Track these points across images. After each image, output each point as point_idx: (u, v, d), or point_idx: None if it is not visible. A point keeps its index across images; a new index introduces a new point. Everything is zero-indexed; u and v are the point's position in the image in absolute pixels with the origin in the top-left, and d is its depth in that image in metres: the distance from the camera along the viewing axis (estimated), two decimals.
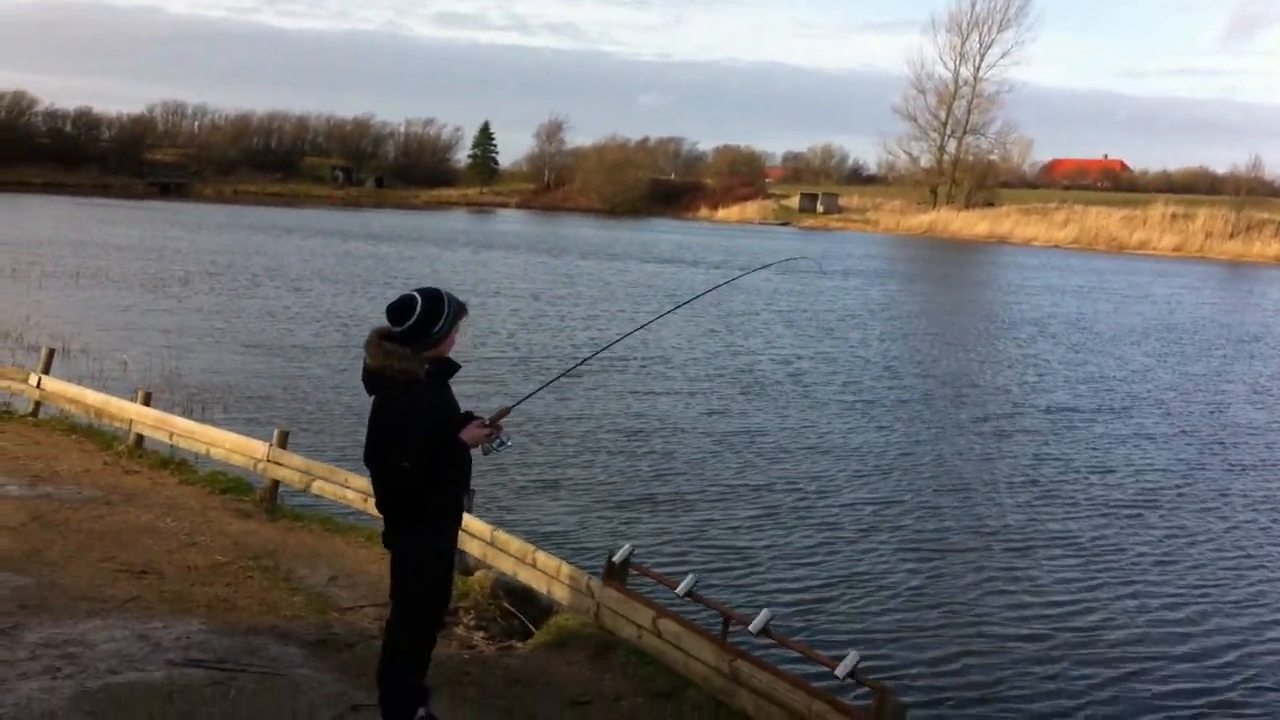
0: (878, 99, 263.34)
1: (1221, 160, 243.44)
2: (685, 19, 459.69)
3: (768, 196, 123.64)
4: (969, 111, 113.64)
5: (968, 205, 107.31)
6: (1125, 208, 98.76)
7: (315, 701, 6.19)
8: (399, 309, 5.39)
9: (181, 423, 12.21)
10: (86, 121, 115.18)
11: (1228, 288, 60.32)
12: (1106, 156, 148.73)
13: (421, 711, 5.73)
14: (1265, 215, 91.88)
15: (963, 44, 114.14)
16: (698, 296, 8.87)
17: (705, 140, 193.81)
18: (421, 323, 5.35)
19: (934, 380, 24.14)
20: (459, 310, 5.48)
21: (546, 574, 8.01)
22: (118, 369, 19.36)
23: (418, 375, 5.32)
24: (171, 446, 12.30)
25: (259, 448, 11.08)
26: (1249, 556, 12.95)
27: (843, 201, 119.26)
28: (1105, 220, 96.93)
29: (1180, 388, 24.97)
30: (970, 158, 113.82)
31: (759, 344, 28.00)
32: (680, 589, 6.93)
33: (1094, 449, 18.06)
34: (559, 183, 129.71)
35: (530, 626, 8.19)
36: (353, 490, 9.88)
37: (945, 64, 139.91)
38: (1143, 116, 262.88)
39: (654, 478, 14.73)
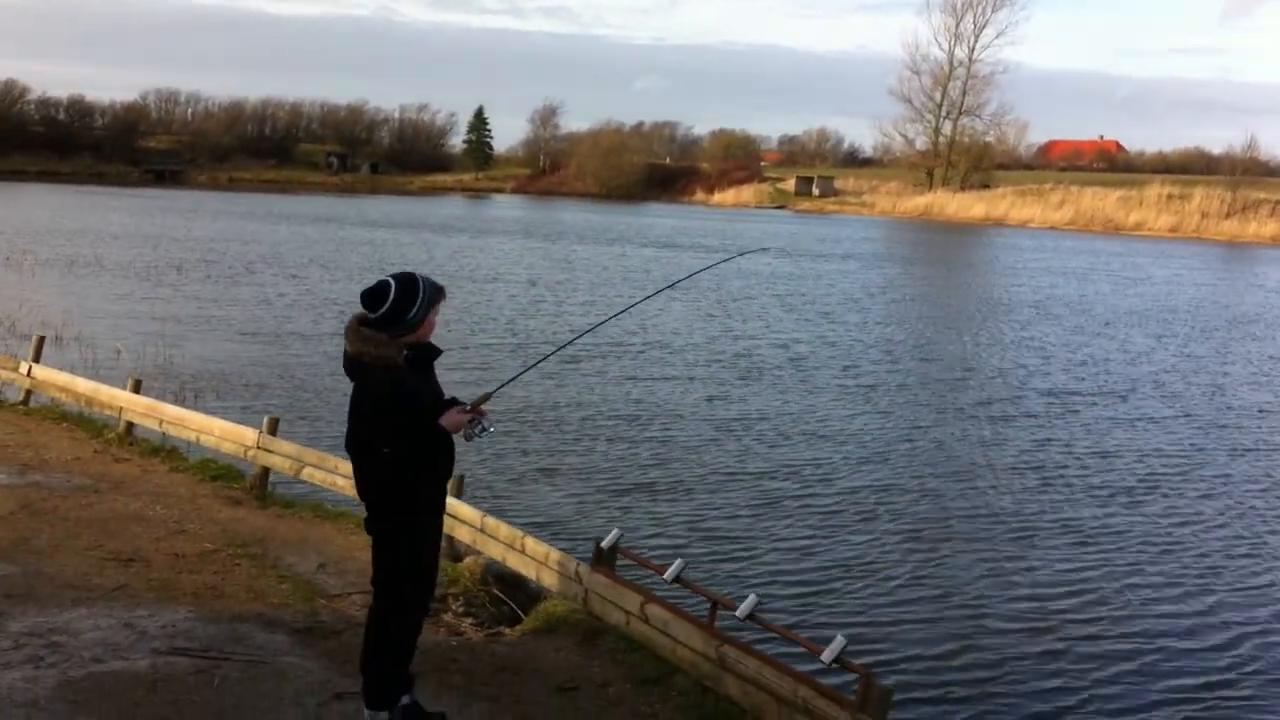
0: (873, 81, 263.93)
1: (1217, 140, 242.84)
2: (680, 1, 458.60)
3: (763, 180, 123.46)
4: (964, 93, 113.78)
5: (963, 187, 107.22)
6: (1121, 189, 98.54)
7: (300, 689, 6.17)
8: (373, 295, 5.34)
9: (171, 410, 12.17)
10: (80, 109, 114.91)
11: (1225, 268, 60.27)
12: (1102, 137, 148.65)
13: (405, 699, 5.70)
14: (1261, 195, 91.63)
15: (957, 24, 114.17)
16: (659, 291, 8.81)
17: (701, 124, 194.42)
18: (396, 308, 5.30)
19: (933, 364, 24.10)
20: (435, 294, 5.43)
21: (535, 560, 7.98)
22: (111, 357, 19.29)
23: (396, 361, 5.28)
24: (162, 434, 12.26)
25: (249, 435, 11.04)
26: (1254, 542, 12.81)
27: (838, 184, 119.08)
28: (1101, 201, 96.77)
29: (1181, 369, 24.93)
30: (966, 139, 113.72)
31: (757, 328, 27.97)
32: (668, 574, 6.90)
33: (1095, 432, 18.00)
34: (554, 168, 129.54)
35: (520, 613, 8.16)
36: (343, 477, 9.83)
37: (940, 45, 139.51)
38: (1138, 97, 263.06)
39: (650, 464, 14.69)
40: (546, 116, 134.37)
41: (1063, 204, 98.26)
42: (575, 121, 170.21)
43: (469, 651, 7.16)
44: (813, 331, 27.79)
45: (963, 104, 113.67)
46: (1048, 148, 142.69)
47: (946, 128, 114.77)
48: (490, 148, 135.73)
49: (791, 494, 13.66)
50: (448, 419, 5.40)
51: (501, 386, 5.92)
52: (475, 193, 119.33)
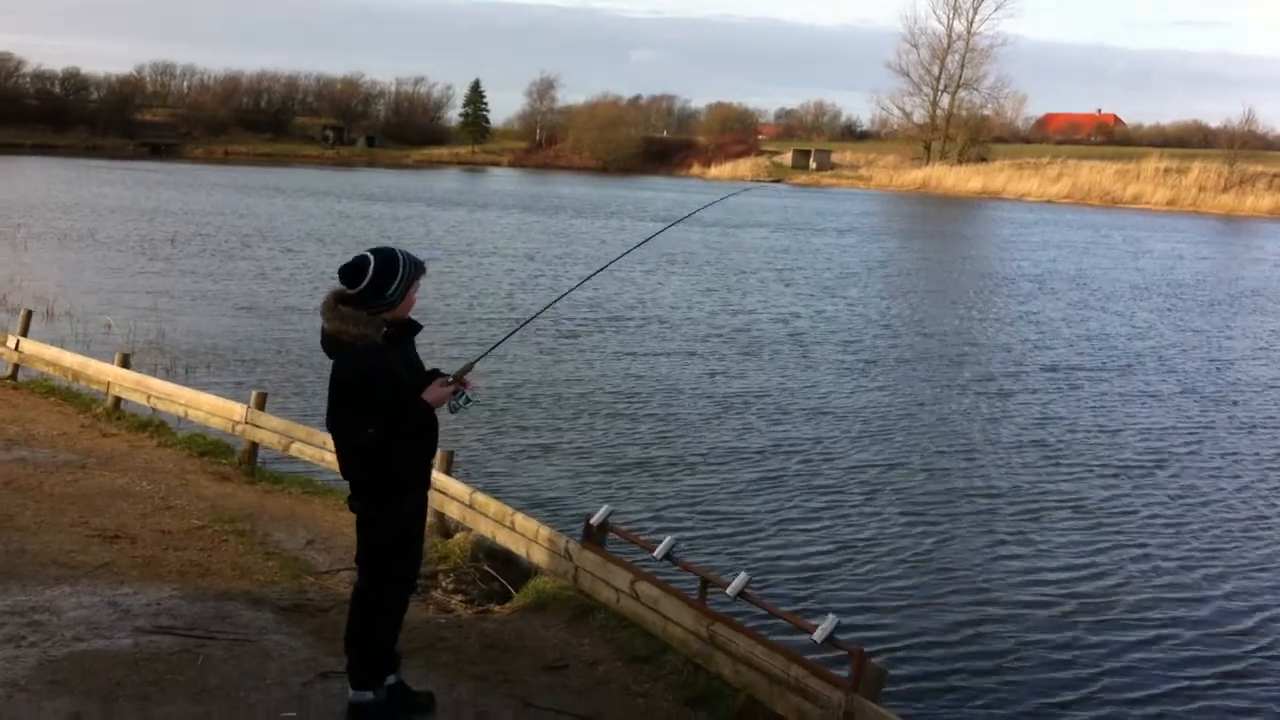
0: (872, 55, 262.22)
1: (1215, 114, 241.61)
2: None
3: (761, 154, 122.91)
4: (962, 66, 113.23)
5: (961, 161, 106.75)
6: (1118, 162, 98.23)
7: (285, 669, 6.08)
8: (352, 271, 5.17)
9: (159, 384, 12.06)
10: (75, 83, 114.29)
11: (1224, 241, 60.08)
12: (1100, 111, 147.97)
13: (391, 679, 5.60)
14: (1259, 168, 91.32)
15: None
16: (620, 257, 8.66)
17: (698, 98, 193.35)
18: (375, 284, 5.13)
19: (934, 339, 23.96)
20: (416, 269, 5.27)
21: (525, 536, 7.88)
22: (103, 331, 19.16)
23: (375, 339, 5.11)
24: (152, 409, 12.16)
25: (237, 409, 10.93)
26: (1266, 520, 12.62)
27: (835, 158, 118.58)
28: (1098, 175, 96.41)
29: (1184, 344, 24.81)
30: (963, 113, 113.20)
31: (756, 303, 27.84)
32: (658, 551, 6.81)
33: (1099, 408, 17.83)
34: (550, 141, 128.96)
35: (510, 590, 8.08)
36: (331, 452, 9.63)
37: (938, 17, 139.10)
38: (1137, 70, 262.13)
39: (650, 440, 14.55)
40: (543, 90, 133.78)
41: (1060, 177, 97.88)
42: (573, 95, 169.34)
43: (457, 629, 7.07)
44: (812, 306, 27.64)
45: (960, 77, 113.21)
46: (1045, 121, 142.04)
47: (944, 101, 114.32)
48: (487, 121, 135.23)
49: (792, 471, 13.49)
50: (430, 393, 5.27)
51: (483, 355, 5.76)
52: (472, 166, 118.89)
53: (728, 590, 6.33)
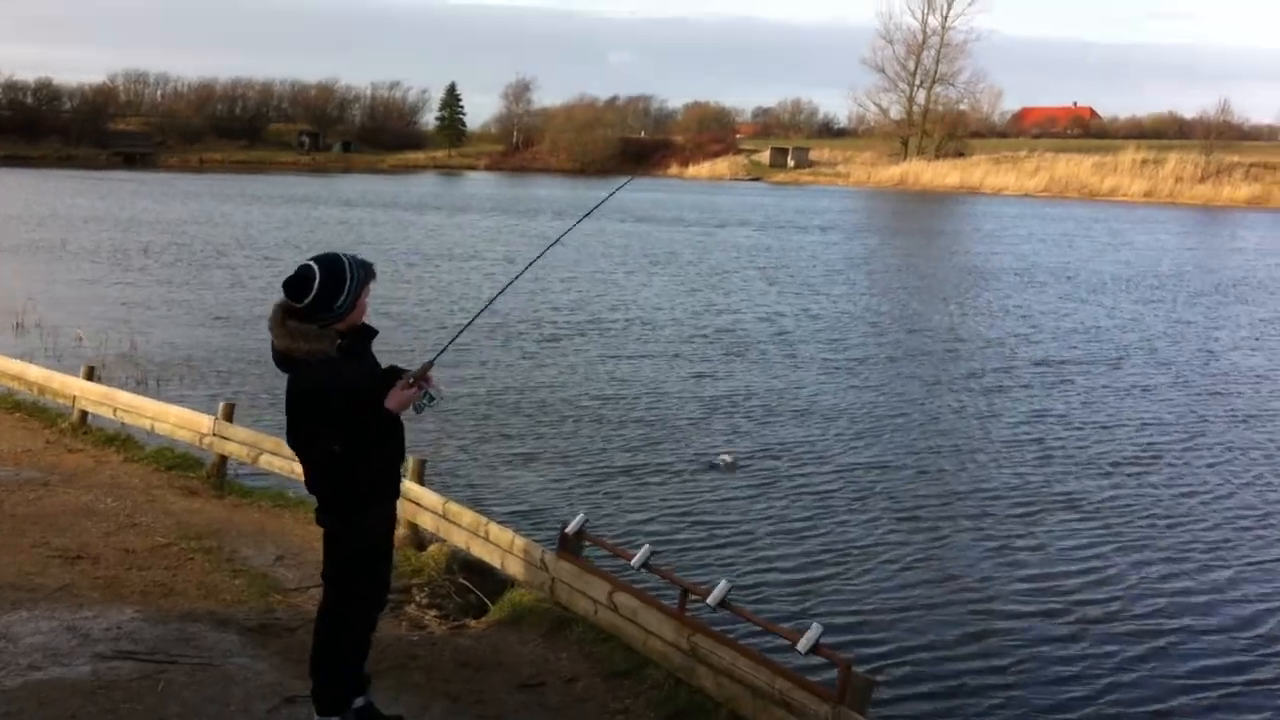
0: (849, 52, 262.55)
1: (1190, 105, 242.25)
2: None
3: (738, 152, 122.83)
4: (937, 61, 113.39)
5: (938, 156, 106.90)
6: (1095, 154, 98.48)
7: (249, 694, 5.83)
8: (296, 283, 4.87)
9: (125, 397, 11.77)
10: (47, 93, 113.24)
11: (1203, 232, 60.16)
12: (1075, 104, 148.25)
13: (359, 701, 5.37)
14: (1234, 159, 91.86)
15: None
16: (540, 254, 8.43)
17: (675, 98, 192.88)
18: (323, 296, 4.86)
19: (921, 335, 23.77)
20: (365, 274, 5.00)
21: (500, 547, 7.64)
22: (73, 344, 18.82)
23: (329, 353, 4.85)
24: (121, 424, 11.87)
25: (204, 421, 10.65)
26: (1263, 511, 12.40)
27: (813, 155, 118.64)
28: (1076, 168, 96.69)
29: (1172, 335, 24.70)
30: (940, 108, 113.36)
31: (740, 302, 27.61)
32: (635, 560, 6.56)
33: (1091, 402, 17.64)
34: (527, 143, 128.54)
35: (487, 603, 7.83)
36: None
37: (913, 13, 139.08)
38: (1112, 62, 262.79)
39: (635, 445, 14.26)
40: (519, 92, 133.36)
41: (1037, 171, 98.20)
42: (550, 97, 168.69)
43: (430, 646, 6.83)
44: (797, 305, 27.43)
45: (936, 72, 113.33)
46: (1021, 115, 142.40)
47: (920, 96, 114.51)
48: (463, 125, 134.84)
49: (782, 474, 13.20)
50: (393, 399, 5.00)
51: (441, 351, 5.49)
52: (448, 170, 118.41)
53: (708, 599, 6.09)
